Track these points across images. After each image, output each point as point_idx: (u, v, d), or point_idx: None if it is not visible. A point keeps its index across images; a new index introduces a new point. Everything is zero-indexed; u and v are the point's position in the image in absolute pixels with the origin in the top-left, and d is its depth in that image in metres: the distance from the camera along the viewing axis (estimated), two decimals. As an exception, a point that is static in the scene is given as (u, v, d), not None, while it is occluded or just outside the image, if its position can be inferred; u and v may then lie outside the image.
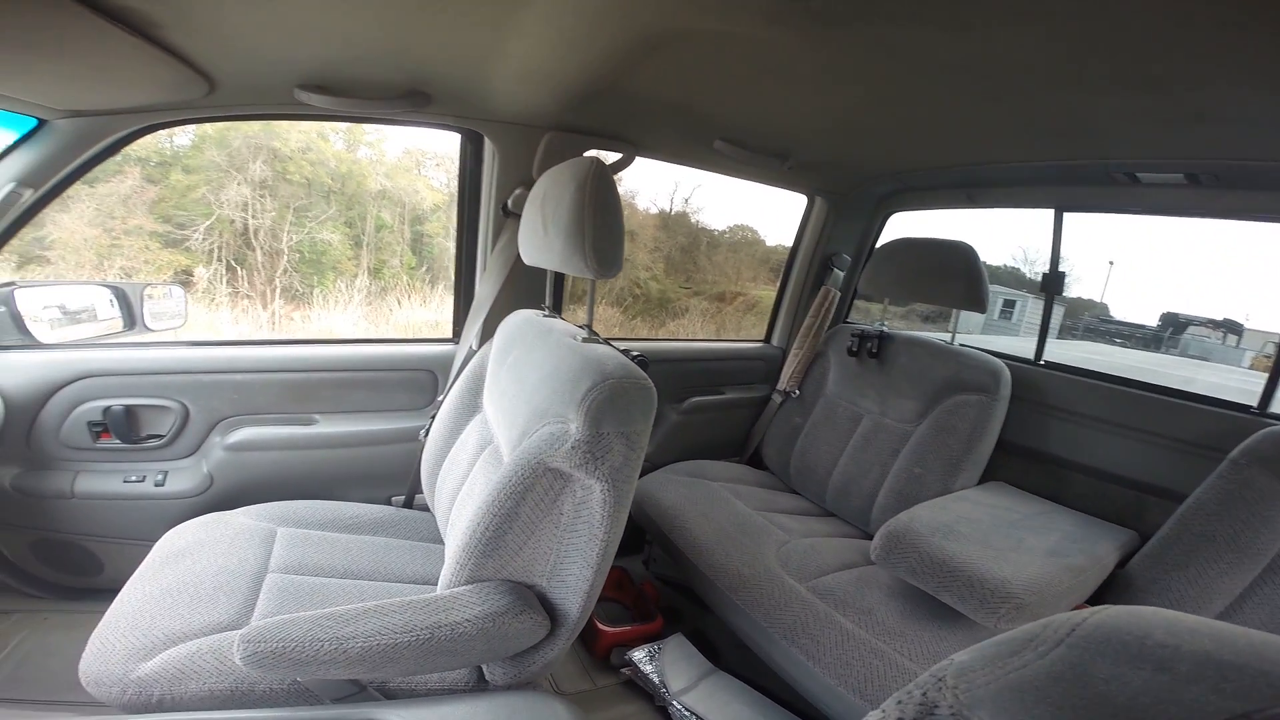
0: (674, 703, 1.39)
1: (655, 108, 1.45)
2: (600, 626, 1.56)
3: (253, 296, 6.00)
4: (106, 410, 1.44)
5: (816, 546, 1.57)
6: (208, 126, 5.90)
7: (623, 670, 1.52)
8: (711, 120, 1.56)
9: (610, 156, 1.67)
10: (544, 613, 0.92)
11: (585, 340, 1.08)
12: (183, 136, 6.03)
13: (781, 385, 2.17)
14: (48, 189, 1.31)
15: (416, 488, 1.49)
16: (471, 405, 1.35)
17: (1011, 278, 7.44)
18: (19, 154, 1.26)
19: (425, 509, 1.43)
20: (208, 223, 5.83)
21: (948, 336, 1.88)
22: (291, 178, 6.36)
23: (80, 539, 1.49)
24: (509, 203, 1.60)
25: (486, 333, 1.50)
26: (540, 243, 1.12)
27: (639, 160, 1.73)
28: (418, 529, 1.37)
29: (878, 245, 2.21)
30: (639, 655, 1.50)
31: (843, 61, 1.12)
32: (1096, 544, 1.41)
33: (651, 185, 7.69)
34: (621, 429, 0.86)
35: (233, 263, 5.93)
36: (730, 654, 1.57)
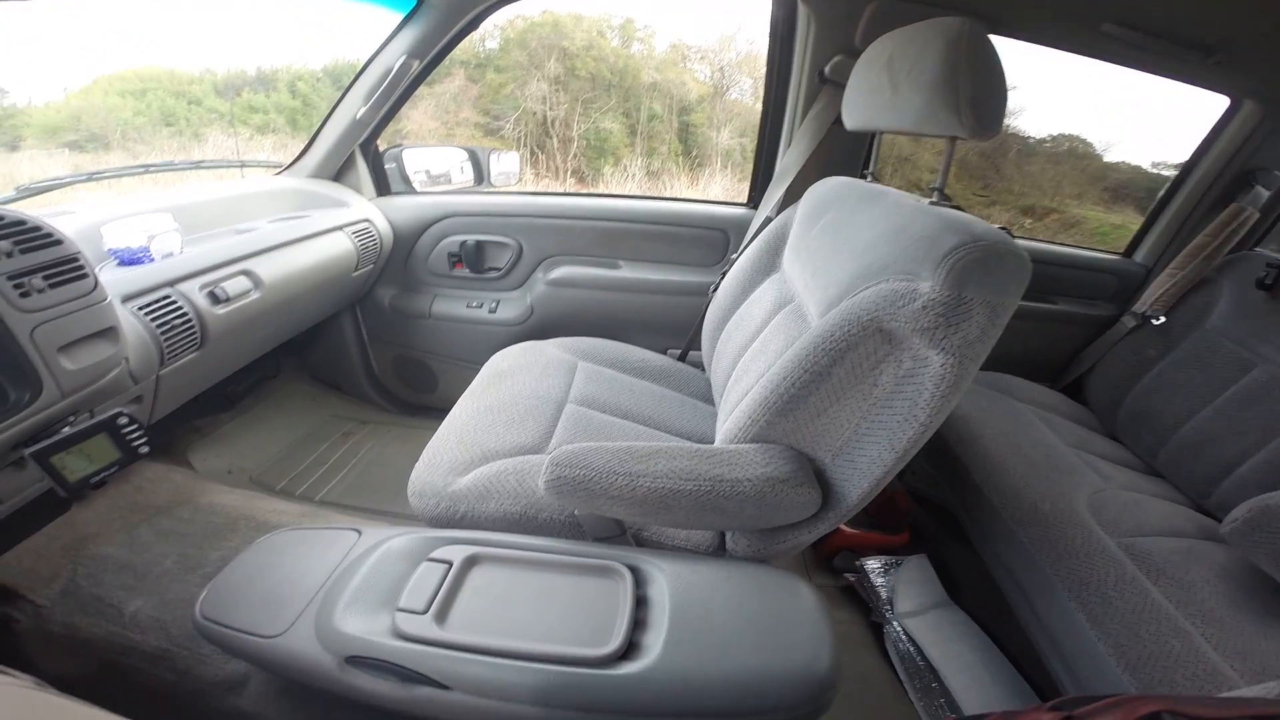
0: (895, 623, 1.29)
1: None
2: (841, 525, 1.47)
3: (550, 177, 6.84)
4: (462, 244, 1.76)
5: (1140, 502, 1.28)
6: (510, 30, 6.62)
7: (846, 575, 1.42)
8: None
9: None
10: (820, 491, 0.83)
11: (934, 204, 0.93)
12: (492, 40, 6.85)
13: (1140, 308, 1.72)
14: (429, 60, 1.56)
15: (694, 344, 1.53)
16: (769, 265, 1.30)
17: None
18: (407, 30, 1.50)
19: (697, 366, 1.47)
20: (515, 114, 6.69)
21: None
22: (579, 73, 6.86)
23: (426, 357, 1.87)
24: (826, 70, 1.46)
25: (789, 200, 1.43)
26: (885, 103, 0.99)
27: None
28: (690, 384, 1.41)
29: None
30: (873, 565, 1.41)
31: None
32: None
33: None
34: (988, 297, 0.71)
35: (535, 149, 6.77)
36: (973, 593, 1.38)
